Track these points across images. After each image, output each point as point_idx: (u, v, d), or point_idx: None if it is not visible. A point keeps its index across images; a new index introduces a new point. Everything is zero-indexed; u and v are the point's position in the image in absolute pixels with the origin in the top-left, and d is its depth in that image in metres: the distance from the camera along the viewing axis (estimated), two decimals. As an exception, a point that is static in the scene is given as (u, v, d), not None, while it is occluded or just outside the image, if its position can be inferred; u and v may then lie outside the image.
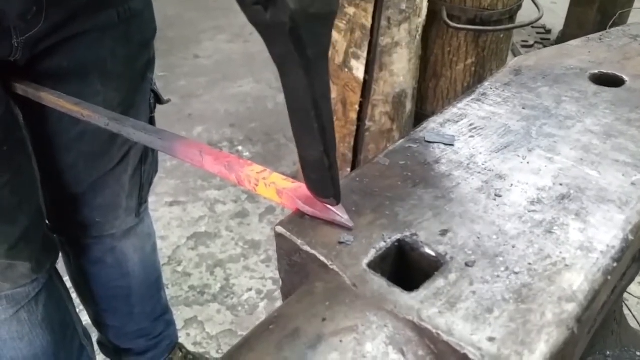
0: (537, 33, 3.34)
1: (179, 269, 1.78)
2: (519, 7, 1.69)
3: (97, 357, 1.27)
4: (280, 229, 0.47)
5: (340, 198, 0.47)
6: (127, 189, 1.04)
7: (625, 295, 0.68)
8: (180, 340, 1.40)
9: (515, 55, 2.96)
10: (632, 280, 0.57)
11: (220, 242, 1.89)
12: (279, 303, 1.65)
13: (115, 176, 1.00)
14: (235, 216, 2.00)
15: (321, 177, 0.46)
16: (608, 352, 0.62)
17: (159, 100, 1.03)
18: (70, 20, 0.80)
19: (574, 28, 2.88)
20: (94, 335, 1.30)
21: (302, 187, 0.50)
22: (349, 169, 1.74)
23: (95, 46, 0.84)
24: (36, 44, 0.79)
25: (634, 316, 0.90)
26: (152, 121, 1.04)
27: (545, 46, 3.16)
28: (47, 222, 1.02)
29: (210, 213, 2.01)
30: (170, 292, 1.65)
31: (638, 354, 0.67)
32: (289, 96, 0.42)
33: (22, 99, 0.83)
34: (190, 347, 1.48)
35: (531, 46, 3.17)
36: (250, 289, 1.71)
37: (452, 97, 1.76)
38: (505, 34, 1.71)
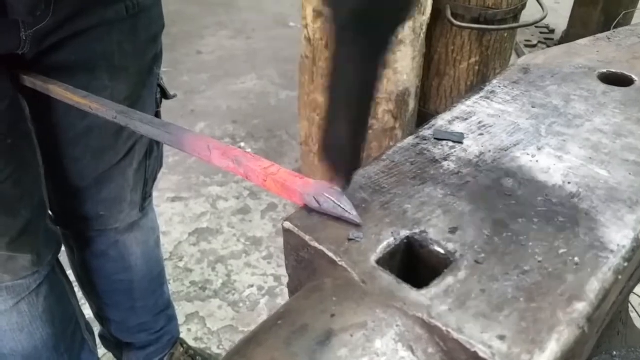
0: (541, 33, 3.34)
1: (181, 264, 1.78)
2: (523, 6, 1.68)
3: (99, 350, 1.27)
4: (288, 225, 0.47)
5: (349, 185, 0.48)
6: (132, 183, 1.04)
7: (631, 296, 0.68)
8: (182, 336, 1.40)
9: (518, 55, 2.96)
10: (639, 281, 0.56)
11: (222, 239, 1.89)
12: (280, 299, 1.65)
13: (120, 170, 1.00)
14: (237, 212, 2.00)
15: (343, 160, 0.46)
16: (614, 352, 0.62)
17: (165, 95, 1.03)
18: (78, 15, 0.80)
19: (578, 28, 2.88)
20: (96, 329, 1.30)
21: (309, 183, 0.49)
22: (351, 167, 1.74)
23: (103, 40, 0.85)
24: (44, 38, 0.79)
25: (639, 316, 0.90)
26: (158, 116, 1.03)
27: (548, 46, 3.16)
28: (51, 214, 1.01)
29: (212, 209, 2.01)
30: (171, 287, 1.65)
31: (643, 354, 0.67)
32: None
33: (29, 92, 0.82)
34: (192, 343, 1.48)
35: (534, 46, 3.16)
36: (252, 286, 1.71)
37: (455, 95, 1.75)
38: (509, 33, 1.70)
